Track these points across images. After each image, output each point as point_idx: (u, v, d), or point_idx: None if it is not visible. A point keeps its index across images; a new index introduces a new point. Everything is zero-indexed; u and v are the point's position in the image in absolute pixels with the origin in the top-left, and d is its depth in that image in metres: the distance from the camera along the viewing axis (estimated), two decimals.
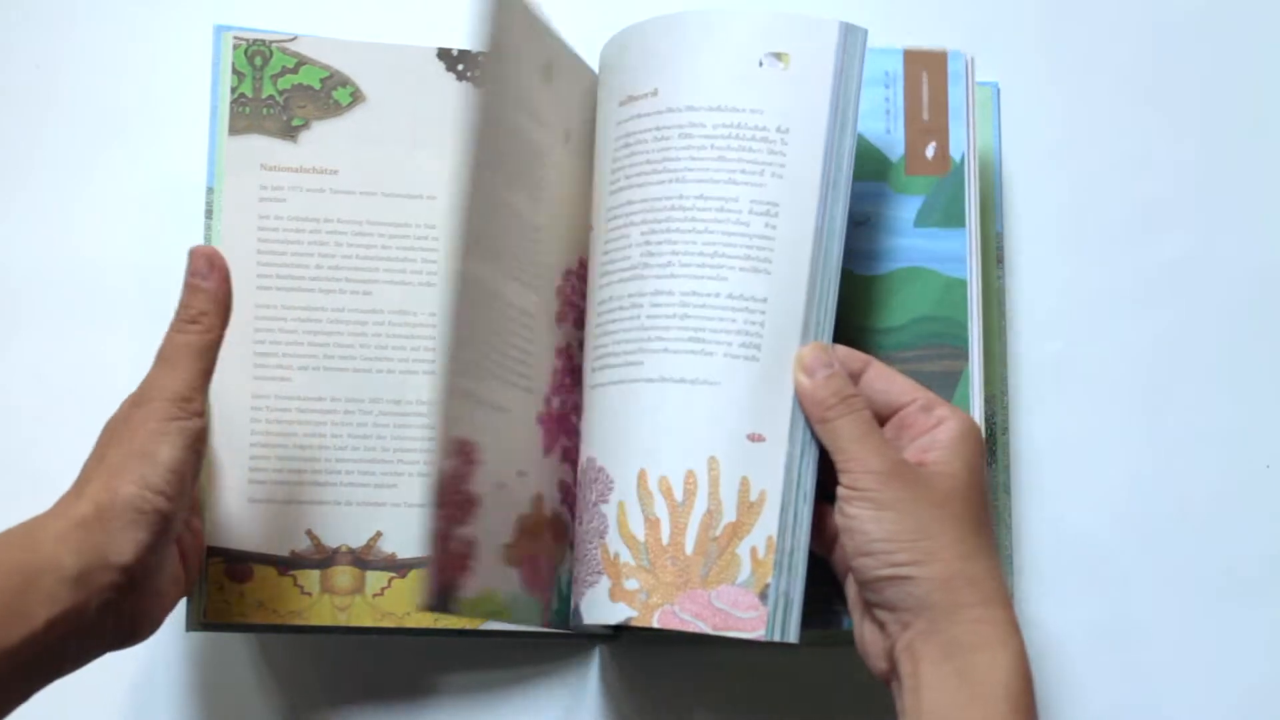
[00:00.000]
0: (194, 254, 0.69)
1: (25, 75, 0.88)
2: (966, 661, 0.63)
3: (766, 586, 0.69)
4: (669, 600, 0.70)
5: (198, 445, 0.67)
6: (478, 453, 0.68)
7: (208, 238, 0.77)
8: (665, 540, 0.70)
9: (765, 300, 0.71)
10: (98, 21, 0.89)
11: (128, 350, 0.83)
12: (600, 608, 0.71)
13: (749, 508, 0.70)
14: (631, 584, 0.70)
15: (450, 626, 0.76)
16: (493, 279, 0.70)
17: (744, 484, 0.70)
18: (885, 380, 0.70)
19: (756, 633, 0.69)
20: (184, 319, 0.69)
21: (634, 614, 0.70)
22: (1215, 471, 0.86)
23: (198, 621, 0.75)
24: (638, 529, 0.71)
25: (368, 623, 0.76)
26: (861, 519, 0.66)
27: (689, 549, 0.70)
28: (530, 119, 0.72)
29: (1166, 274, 0.87)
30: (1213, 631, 0.84)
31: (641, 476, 0.71)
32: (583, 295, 0.78)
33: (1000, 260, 0.84)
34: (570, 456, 0.77)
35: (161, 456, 0.65)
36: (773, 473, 0.70)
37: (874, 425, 0.69)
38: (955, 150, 0.78)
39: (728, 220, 0.71)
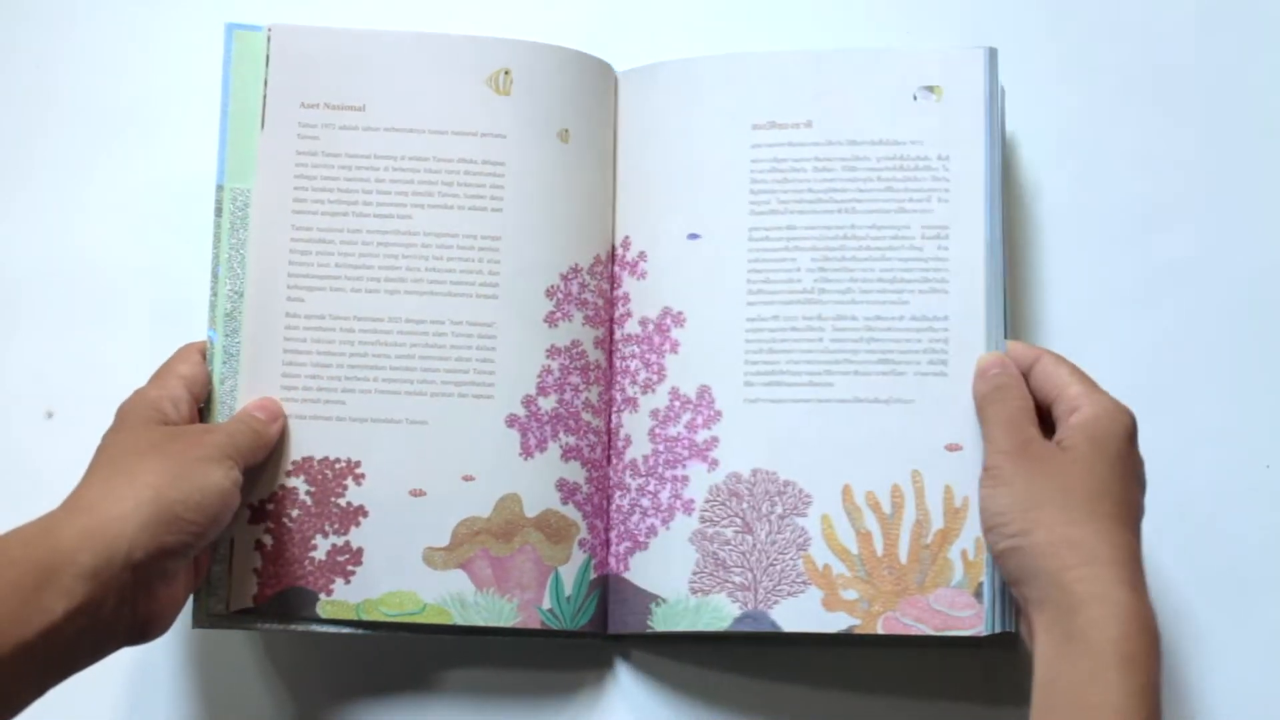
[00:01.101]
0: (272, 402, 0.77)
1: (26, 75, 0.88)
2: (1072, 623, 0.65)
3: (980, 585, 0.75)
4: (890, 607, 0.76)
5: (237, 492, 0.70)
6: (357, 467, 0.77)
7: (217, 236, 0.77)
8: (879, 551, 0.76)
9: (947, 318, 0.77)
10: (100, 21, 0.89)
11: (130, 350, 0.83)
12: (812, 617, 0.76)
13: (955, 513, 0.76)
14: (850, 594, 0.76)
15: (476, 624, 0.77)
16: (394, 307, 0.77)
17: (948, 492, 0.76)
18: (1051, 370, 0.74)
19: (975, 629, 0.74)
20: (253, 412, 0.76)
21: (857, 622, 0.76)
22: (1215, 471, 0.86)
23: (205, 617, 0.76)
24: (849, 541, 0.77)
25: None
26: (983, 497, 0.72)
27: (903, 558, 0.76)
28: (462, 138, 0.79)
29: (1167, 274, 0.88)
30: (1212, 632, 0.84)
31: (846, 491, 0.77)
32: (600, 292, 0.79)
33: None
34: (580, 455, 0.79)
35: (215, 480, 0.68)
36: (974, 477, 0.75)
37: (1022, 413, 0.73)
38: None
39: (902, 246, 0.78)
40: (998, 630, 0.73)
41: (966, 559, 0.75)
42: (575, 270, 0.79)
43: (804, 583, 0.76)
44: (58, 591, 0.61)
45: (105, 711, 0.81)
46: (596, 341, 0.80)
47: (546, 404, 0.78)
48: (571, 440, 0.78)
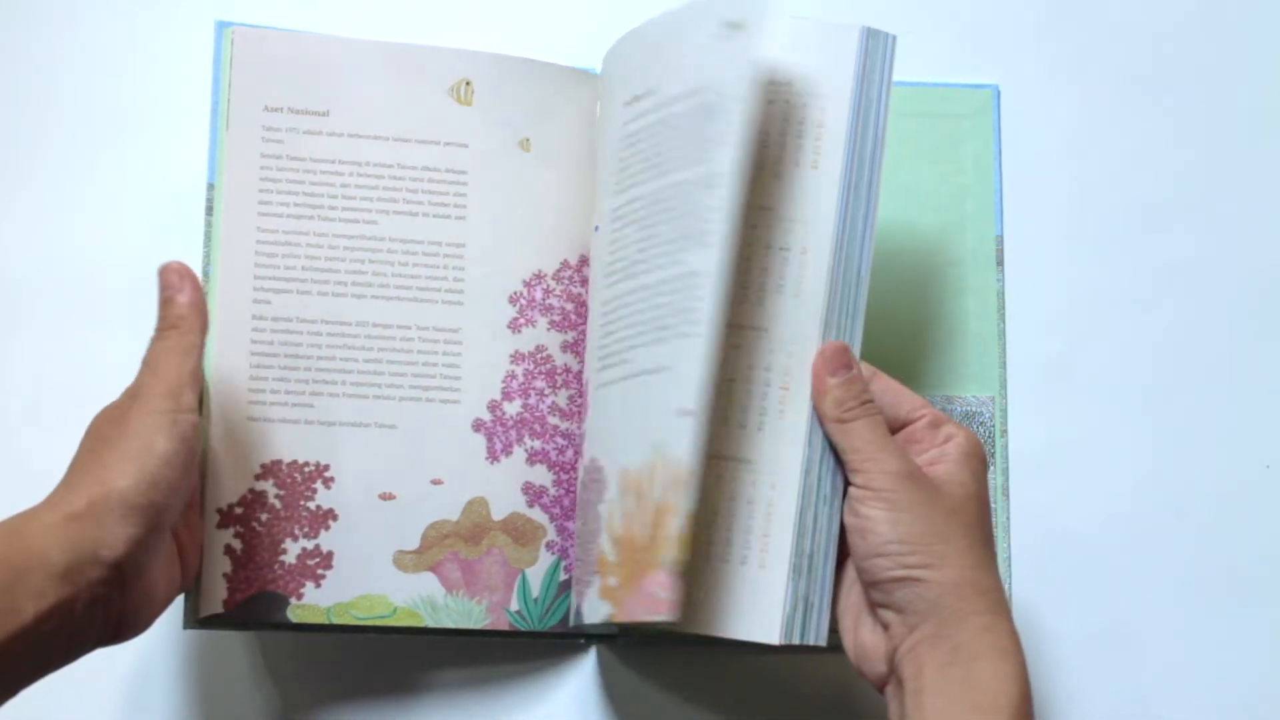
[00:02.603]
0: (164, 270, 0.71)
1: (25, 75, 0.88)
2: (971, 669, 0.63)
3: (680, 564, 0.66)
4: (630, 593, 0.69)
5: (190, 440, 0.67)
6: (326, 470, 0.77)
7: (208, 235, 0.77)
8: (631, 531, 0.70)
9: (707, 275, 0.68)
10: (97, 20, 0.89)
11: (127, 349, 0.83)
12: (594, 607, 0.72)
13: (677, 484, 0.67)
14: (612, 580, 0.71)
15: (447, 626, 0.77)
16: (361, 312, 0.77)
17: (677, 462, 0.67)
18: (893, 394, 0.71)
19: (661, 615, 0.66)
20: (163, 327, 0.70)
21: (613, 609, 0.70)
22: (1215, 471, 0.85)
23: (195, 619, 0.75)
24: (619, 525, 0.71)
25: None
26: (876, 519, 0.67)
27: (644, 538, 0.69)
28: (425, 146, 0.79)
29: (1166, 274, 0.87)
30: (1213, 632, 0.84)
31: (623, 474, 0.71)
32: (570, 296, 0.79)
33: (1000, 262, 0.84)
34: (546, 458, 0.79)
35: (156, 449, 0.66)
36: (700, 444, 0.67)
37: (888, 430, 0.69)
38: None
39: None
40: (798, 642, 0.69)
41: (679, 537, 0.66)
42: (539, 276, 0.79)
43: (594, 572, 0.72)
44: (29, 592, 0.61)
45: (98, 711, 0.81)
46: (565, 345, 0.80)
47: (511, 409, 0.78)
48: (537, 444, 0.78)
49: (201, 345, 0.71)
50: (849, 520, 0.69)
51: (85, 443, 0.68)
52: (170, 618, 0.73)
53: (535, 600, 0.78)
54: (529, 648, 0.82)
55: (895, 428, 0.70)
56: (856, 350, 0.71)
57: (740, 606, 0.70)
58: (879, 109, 0.73)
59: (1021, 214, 0.87)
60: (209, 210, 0.77)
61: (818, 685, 0.82)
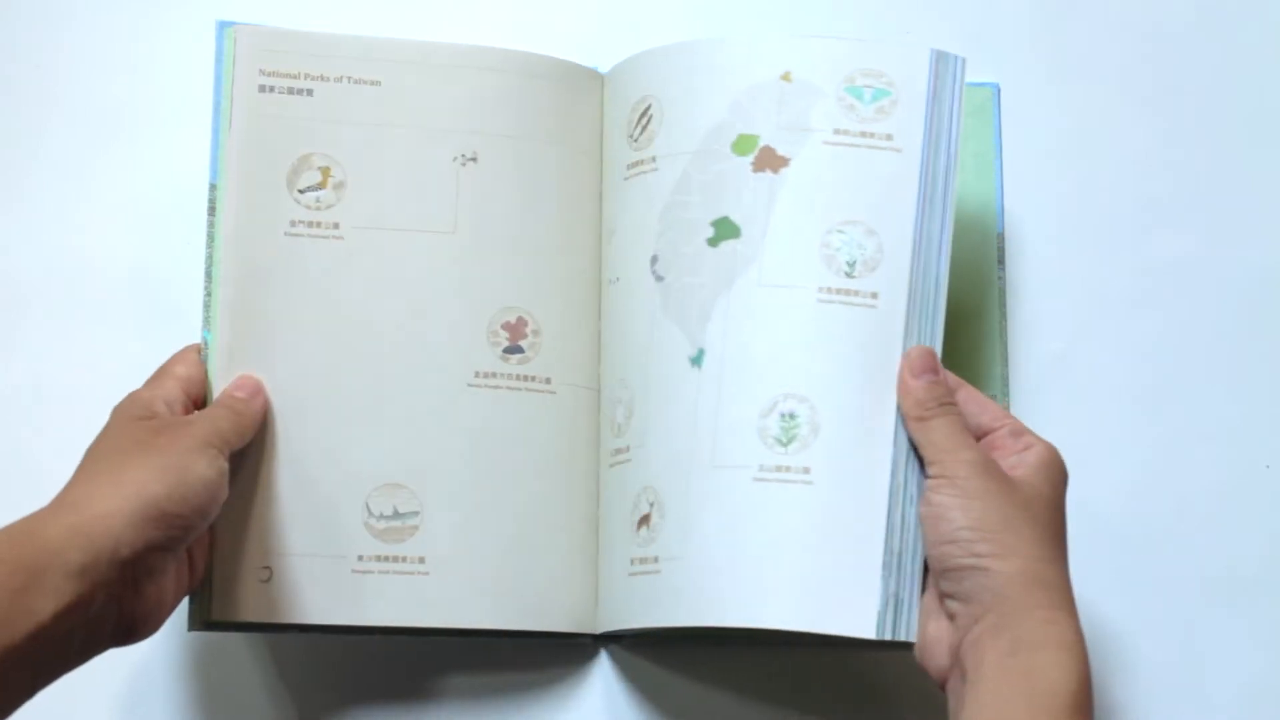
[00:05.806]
0: (246, 377, 0.76)
1: (25, 75, 0.88)
2: (1031, 659, 0.64)
3: None
4: None
5: (224, 480, 0.69)
6: None
7: (210, 235, 0.76)
8: None
9: None
10: (98, 20, 0.89)
11: (128, 350, 0.83)
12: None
13: None
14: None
15: (442, 628, 0.77)
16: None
17: None
18: (977, 404, 0.72)
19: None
20: (228, 399, 0.74)
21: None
22: (1215, 471, 0.85)
23: (200, 622, 0.75)
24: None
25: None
26: (948, 506, 0.68)
27: None
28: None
29: (1167, 274, 0.87)
30: (1212, 632, 0.84)
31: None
32: None
33: (1001, 260, 0.84)
34: None
35: (196, 470, 0.67)
36: None
37: (967, 430, 0.71)
38: None
39: None
40: (890, 638, 0.70)
41: None
42: None
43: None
44: (46, 591, 0.61)
45: (102, 711, 0.80)
46: None
47: None
48: None
49: (250, 430, 0.74)
50: (922, 510, 0.70)
51: (112, 441, 0.69)
52: (173, 620, 0.73)
53: None
54: (535, 650, 0.82)
55: (977, 436, 0.71)
56: (938, 354, 0.73)
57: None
58: (951, 126, 0.75)
59: (1023, 212, 0.87)
60: (211, 210, 0.77)
61: (821, 680, 0.82)
